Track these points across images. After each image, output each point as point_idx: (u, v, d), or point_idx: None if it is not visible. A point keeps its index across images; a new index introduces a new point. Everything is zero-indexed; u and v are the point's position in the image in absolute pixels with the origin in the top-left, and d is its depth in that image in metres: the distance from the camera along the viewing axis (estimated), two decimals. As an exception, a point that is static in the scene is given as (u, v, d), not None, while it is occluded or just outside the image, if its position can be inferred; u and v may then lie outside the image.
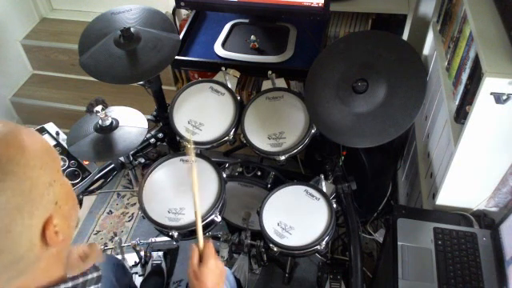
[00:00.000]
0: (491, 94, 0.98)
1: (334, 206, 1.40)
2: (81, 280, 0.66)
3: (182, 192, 1.42)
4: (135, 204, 2.15)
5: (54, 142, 1.54)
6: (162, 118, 1.75)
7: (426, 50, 1.68)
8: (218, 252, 1.68)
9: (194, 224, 1.33)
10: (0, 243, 0.54)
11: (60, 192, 0.61)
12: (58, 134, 1.56)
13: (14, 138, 0.57)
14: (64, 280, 0.64)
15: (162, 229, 1.38)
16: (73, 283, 0.64)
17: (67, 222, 0.63)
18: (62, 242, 0.61)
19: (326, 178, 1.53)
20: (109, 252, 1.73)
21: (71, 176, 1.49)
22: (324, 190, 1.43)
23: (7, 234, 0.54)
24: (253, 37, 1.75)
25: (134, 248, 1.71)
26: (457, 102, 1.23)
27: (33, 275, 0.61)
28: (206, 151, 1.56)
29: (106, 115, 1.44)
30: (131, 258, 1.77)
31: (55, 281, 0.63)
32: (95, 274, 0.68)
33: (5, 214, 0.54)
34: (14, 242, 0.55)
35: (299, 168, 1.97)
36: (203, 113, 1.54)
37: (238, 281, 1.35)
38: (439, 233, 1.21)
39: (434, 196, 1.33)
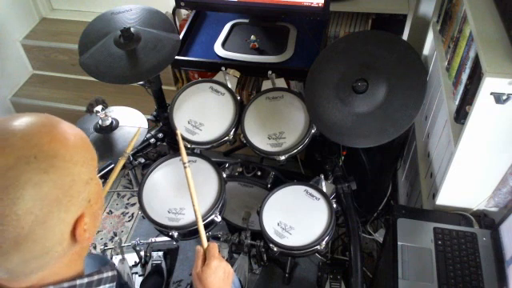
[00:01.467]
0: (491, 93, 0.98)
1: (334, 205, 1.40)
2: (96, 277, 0.66)
3: (182, 192, 1.42)
4: (135, 204, 2.15)
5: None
6: (162, 118, 1.75)
7: (426, 50, 1.68)
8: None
9: (194, 224, 1.34)
10: (36, 232, 0.55)
11: (93, 191, 0.62)
12: (58, 134, 1.56)
13: (60, 131, 0.59)
14: (80, 276, 0.65)
15: (162, 229, 1.38)
16: (88, 279, 0.65)
17: (94, 222, 0.64)
18: (88, 241, 0.62)
19: (326, 178, 1.53)
20: (109, 252, 1.72)
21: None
22: (324, 189, 1.43)
23: (43, 225, 0.55)
24: (253, 37, 1.75)
25: (134, 248, 1.71)
26: (457, 102, 1.23)
27: (54, 269, 0.62)
28: (206, 151, 1.56)
29: (106, 115, 1.44)
30: (131, 258, 1.76)
31: (72, 276, 0.64)
32: (110, 273, 0.68)
33: (44, 205, 0.55)
34: (47, 233, 0.56)
35: (299, 168, 1.97)
36: (203, 113, 1.54)
37: (238, 281, 1.35)
38: (439, 233, 1.21)
39: (434, 196, 1.33)
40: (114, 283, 0.69)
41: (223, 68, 1.61)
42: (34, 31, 2.54)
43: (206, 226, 1.40)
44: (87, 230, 0.61)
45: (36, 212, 0.54)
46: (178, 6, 1.78)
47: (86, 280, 0.65)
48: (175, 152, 1.74)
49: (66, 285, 0.63)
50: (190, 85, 1.59)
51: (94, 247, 2.00)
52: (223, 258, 1.65)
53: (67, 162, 0.57)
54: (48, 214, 0.55)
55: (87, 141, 0.64)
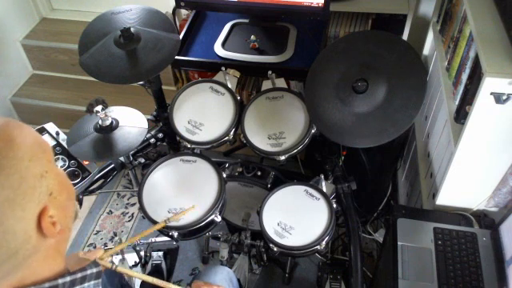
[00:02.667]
0: (491, 93, 0.98)
1: (334, 205, 1.40)
2: (79, 275, 0.65)
3: (182, 192, 1.42)
4: (135, 204, 2.15)
5: (54, 142, 1.54)
6: (162, 118, 1.75)
7: (426, 50, 1.68)
8: (218, 252, 1.69)
9: (194, 224, 1.34)
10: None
11: (54, 183, 0.61)
12: (57, 133, 1.56)
13: (2, 131, 0.57)
14: (62, 275, 0.64)
15: (162, 229, 1.38)
16: (71, 277, 0.64)
17: (64, 213, 0.63)
18: (60, 233, 0.61)
19: (326, 178, 1.53)
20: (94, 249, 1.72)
21: (71, 176, 1.49)
22: (324, 189, 1.43)
23: (0, 228, 0.54)
24: (253, 37, 1.75)
25: (134, 248, 1.71)
26: (457, 102, 1.23)
27: (31, 268, 0.60)
28: (206, 151, 1.56)
29: (106, 115, 1.44)
30: (131, 258, 1.76)
31: (53, 275, 0.63)
32: (95, 270, 0.67)
33: None
34: (7, 236, 0.55)
35: (299, 168, 1.97)
36: (203, 113, 1.54)
37: (238, 281, 1.35)
38: (439, 233, 1.21)
39: (434, 196, 1.33)
40: (100, 280, 0.68)
41: (223, 68, 1.61)
42: (34, 31, 2.54)
43: (206, 226, 1.40)
44: (57, 223, 0.60)
45: None
46: (178, 5, 1.78)
47: (68, 278, 0.63)
48: (175, 152, 1.74)
49: (47, 285, 0.61)
50: (189, 85, 1.59)
51: (94, 247, 2.00)
52: (223, 258, 1.66)
53: (11, 160, 0.55)
54: (1, 217, 0.54)
55: (36, 136, 0.62)
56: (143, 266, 1.76)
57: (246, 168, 1.59)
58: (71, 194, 0.67)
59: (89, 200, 2.16)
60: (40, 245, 0.59)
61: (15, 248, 0.56)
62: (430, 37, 1.62)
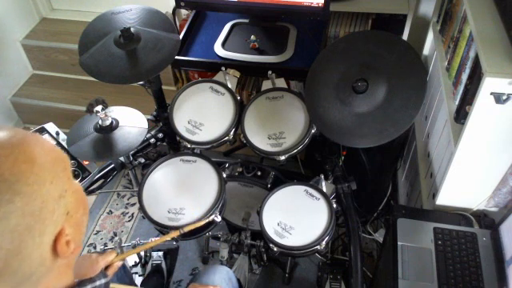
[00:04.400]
0: (491, 93, 0.98)
1: (334, 205, 1.40)
2: (89, 286, 0.64)
3: (182, 192, 1.42)
4: (135, 204, 2.15)
5: (53, 142, 1.54)
6: (162, 118, 1.75)
7: (426, 50, 1.68)
8: (218, 252, 1.69)
9: (194, 224, 1.34)
10: (12, 265, 0.51)
11: (71, 201, 0.58)
12: (58, 133, 1.56)
13: (23, 152, 0.52)
14: (72, 286, 0.62)
15: (162, 229, 1.38)
16: None
17: (79, 229, 0.61)
18: (73, 253, 0.59)
19: (326, 178, 1.53)
20: (108, 250, 1.72)
21: (71, 176, 1.49)
22: (324, 190, 1.43)
23: (17, 256, 0.51)
24: (253, 37, 1.75)
25: (134, 248, 1.70)
26: (457, 102, 1.23)
27: (43, 285, 0.59)
28: (206, 151, 1.56)
29: (106, 115, 1.44)
30: (131, 258, 1.76)
31: (63, 287, 0.62)
32: (103, 281, 0.67)
33: (15, 237, 0.50)
34: (24, 262, 0.52)
35: (299, 168, 1.97)
36: (203, 113, 1.54)
37: (238, 281, 1.35)
38: (439, 233, 1.21)
39: (434, 196, 1.33)
40: None
41: (223, 68, 1.61)
42: (34, 31, 2.54)
43: (206, 226, 1.40)
44: (71, 241, 0.57)
45: (6, 246, 0.50)
46: (178, 5, 1.78)
47: None
48: (175, 152, 1.74)
49: None
50: (189, 85, 1.59)
51: (94, 247, 2.00)
52: (223, 258, 1.66)
53: (32, 185, 0.51)
54: (21, 245, 0.51)
55: (57, 152, 0.57)
56: (143, 266, 1.76)
57: (246, 168, 1.59)
58: (86, 208, 0.63)
59: (89, 200, 2.16)
60: (53, 265, 0.57)
61: (30, 272, 0.54)
62: (430, 37, 1.62)
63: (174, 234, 1.22)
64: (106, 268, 1.04)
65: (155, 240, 1.18)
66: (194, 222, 1.29)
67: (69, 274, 0.63)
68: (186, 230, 1.22)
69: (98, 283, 0.66)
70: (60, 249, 0.56)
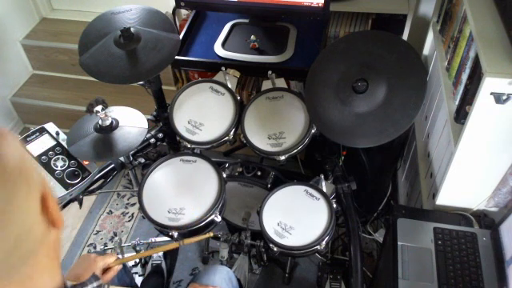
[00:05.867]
0: (491, 94, 0.98)
1: (334, 205, 1.40)
2: None
3: (182, 192, 1.42)
4: (135, 204, 2.15)
5: (54, 142, 1.54)
6: (162, 118, 1.75)
7: (426, 50, 1.68)
8: (218, 252, 1.69)
9: (195, 224, 1.34)
10: (6, 214, 0.49)
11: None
12: (57, 133, 1.56)
13: None
14: None
15: (162, 229, 1.38)
16: None
17: (57, 213, 0.58)
18: (59, 227, 0.56)
19: (326, 178, 1.53)
20: (109, 252, 1.72)
21: (71, 176, 1.49)
22: (324, 190, 1.43)
23: (12, 202, 0.49)
24: (253, 37, 1.75)
25: (134, 248, 1.70)
26: (457, 102, 1.23)
27: (32, 281, 0.55)
28: (206, 151, 1.56)
29: (106, 115, 1.44)
30: (131, 258, 1.76)
31: None
32: (95, 284, 0.66)
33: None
34: (19, 211, 0.50)
35: (299, 168, 1.97)
36: (203, 113, 1.54)
37: (238, 281, 1.35)
38: (439, 233, 1.21)
39: (434, 196, 1.33)
40: None
41: (223, 68, 1.61)
42: (34, 31, 2.54)
43: (206, 226, 1.40)
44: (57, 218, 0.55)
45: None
46: (178, 5, 1.78)
47: None
48: (175, 152, 1.74)
49: None
50: (190, 85, 1.59)
51: (94, 247, 2.00)
52: (223, 258, 1.66)
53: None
54: (12, 199, 0.49)
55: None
56: (143, 266, 1.76)
57: (246, 168, 1.59)
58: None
59: (89, 200, 2.16)
60: (44, 237, 0.54)
61: (27, 228, 0.51)
62: (430, 37, 1.62)
63: (174, 245, 1.20)
64: (106, 271, 1.04)
65: (155, 249, 1.17)
66: (194, 236, 1.26)
67: (56, 273, 0.60)
68: (187, 242, 1.19)
69: (89, 286, 0.65)
70: (51, 210, 0.54)
